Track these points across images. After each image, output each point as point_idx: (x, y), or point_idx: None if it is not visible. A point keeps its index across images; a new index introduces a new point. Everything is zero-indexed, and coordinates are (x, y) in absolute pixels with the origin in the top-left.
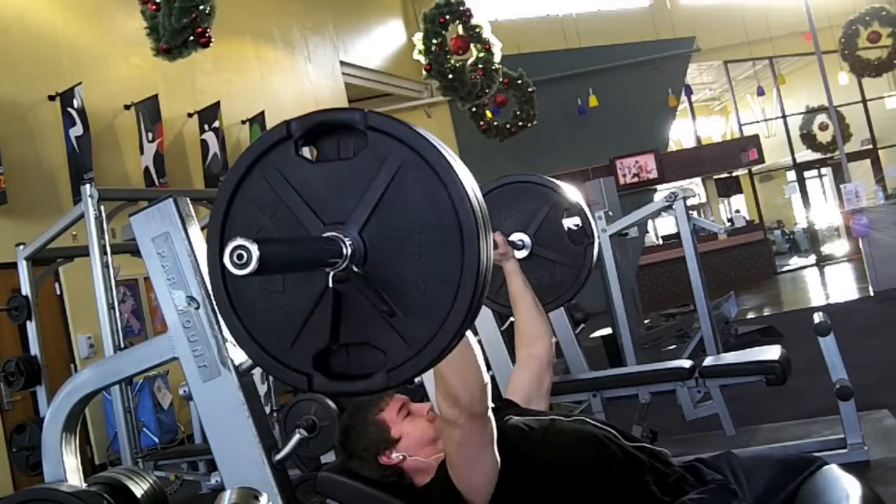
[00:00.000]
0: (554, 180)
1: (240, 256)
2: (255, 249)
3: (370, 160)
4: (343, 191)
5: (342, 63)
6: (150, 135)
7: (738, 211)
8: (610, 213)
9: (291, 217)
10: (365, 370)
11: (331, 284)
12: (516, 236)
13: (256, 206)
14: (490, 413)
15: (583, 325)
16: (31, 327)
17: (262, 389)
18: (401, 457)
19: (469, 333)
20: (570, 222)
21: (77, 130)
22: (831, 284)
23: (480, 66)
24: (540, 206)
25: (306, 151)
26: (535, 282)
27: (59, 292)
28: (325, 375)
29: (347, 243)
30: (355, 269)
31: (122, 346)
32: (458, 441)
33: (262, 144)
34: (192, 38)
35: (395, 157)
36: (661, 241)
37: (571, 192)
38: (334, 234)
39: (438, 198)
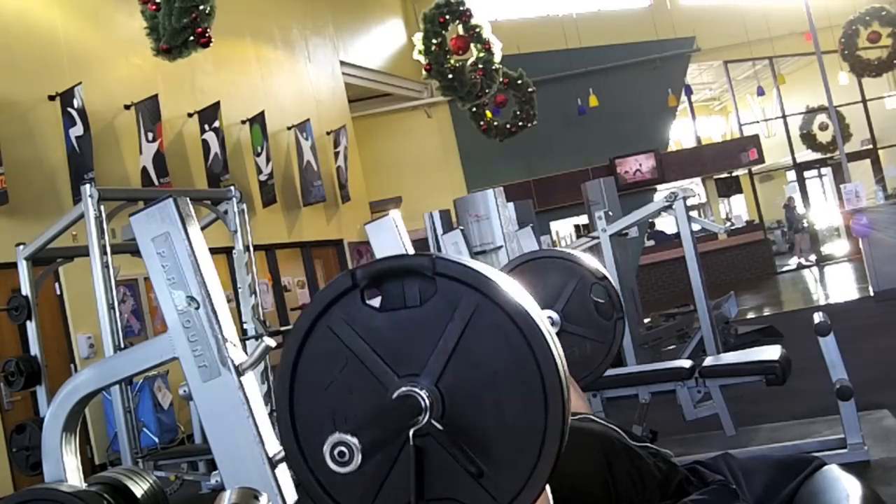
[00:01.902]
0: (578, 253)
1: (342, 454)
2: (355, 443)
3: (441, 307)
4: (415, 340)
5: (342, 63)
6: (150, 135)
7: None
8: (610, 213)
9: (362, 369)
10: None
11: (412, 441)
12: (545, 314)
13: (326, 357)
14: None
15: None
16: (31, 327)
17: (262, 389)
18: None
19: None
20: (597, 297)
21: (77, 130)
22: (831, 284)
23: (480, 66)
24: (566, 280)
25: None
26: (565, 359)
27: (59, 292)
28: None
29: (425, 396)
30: (434, 422)
31: (122, 346)
32: None
33: (328, 295)
34: (192, 38)
35: (467, 303)
36: (654, 242)
37: (595, 263)
38: (411, 388)
39: (517, 346)
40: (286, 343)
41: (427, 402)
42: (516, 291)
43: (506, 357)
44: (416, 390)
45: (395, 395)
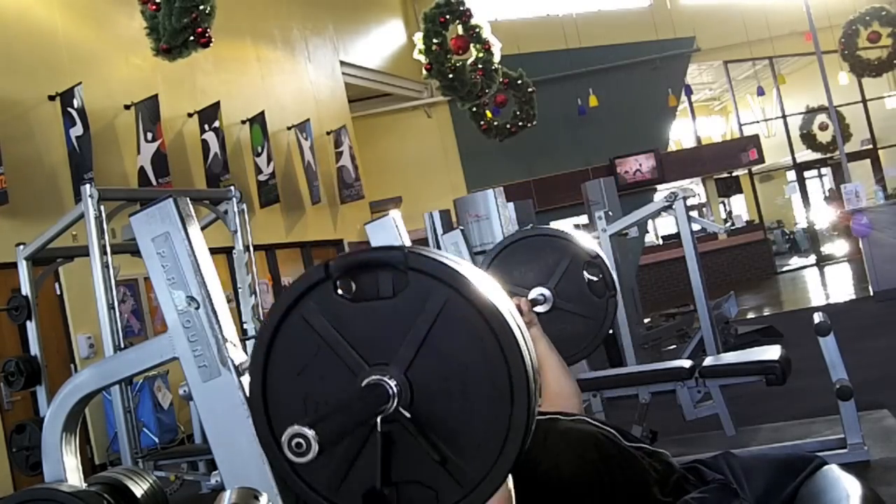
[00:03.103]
0: (572, 231)
1: (298, 445)
2: (312, 435)
3: (412, 300)
4: (386, 331)
5: (342, 63)
6: (150, 135)
7: (731, 213)
8: (610, 213)
9: (334, 357)
10: None
11: (379, 428)
12: (537, 291)
13: (298, 345)
14: None
15: None
16: (31, 327)
17: None
18: None
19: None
20: (590, 274)
21: (77, 130)
22: (831, 284)
23: (480, 66)
24: (559, 258)
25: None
26: (556, 334)
27: (59, 292)
28: None
29: (393, 385)
30: (403, 411)
31: (122, 346)
32: None
33: (301, 286)
34: (192, 38)
35: (438, 296)
36: (661, 242)
37: (589, 242)
38: (379, 377)
39: (485, 339)
40: (260, 330)
41: (395, 390)
42: (488, 287)
43: (474, 350)
44: (385, 379)
45: (364, 384)
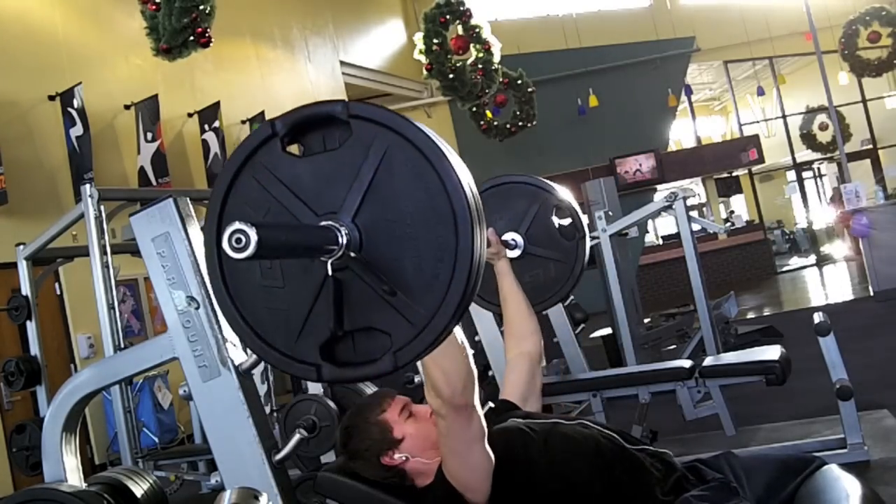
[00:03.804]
0: (542, 179)
1: (238, 240)
2: (253, 233)
3: (356, 148)
4: (333, 181)
5: (342, 63)
6: (150, 135)
7: (732, 212)
8: (610, 213)
9: (285, 213)
10: (372, 355)
11: (330, 273)
12: (508, 236)
13: (249, 206)
14: (476, 407)
15: (583, 325)
16: (31, 327)
17: (262, 389)
18: (403, 458)
19: (457, 328)
20: (561, 219)
21: (77, 130)
22: (831, 284)
23: (480, 66)
24: (529, 205)
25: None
26: (530, 280)
27: (59, 292)
28: (332, 364)
29: (343, 231)
30: (352, 255)
31: (122, 346)
32: (444, 433)
33: (249, 145)
34: (192, 38)
35: (381, 142)
36: (661, 241)
37: (560, 189)
38: (329, 223)
39: (427, 177)
40: (212, 193)
41: (344, 236)
42: (429, 131)
43: (418, 190)
44: (334, 224)
45: None
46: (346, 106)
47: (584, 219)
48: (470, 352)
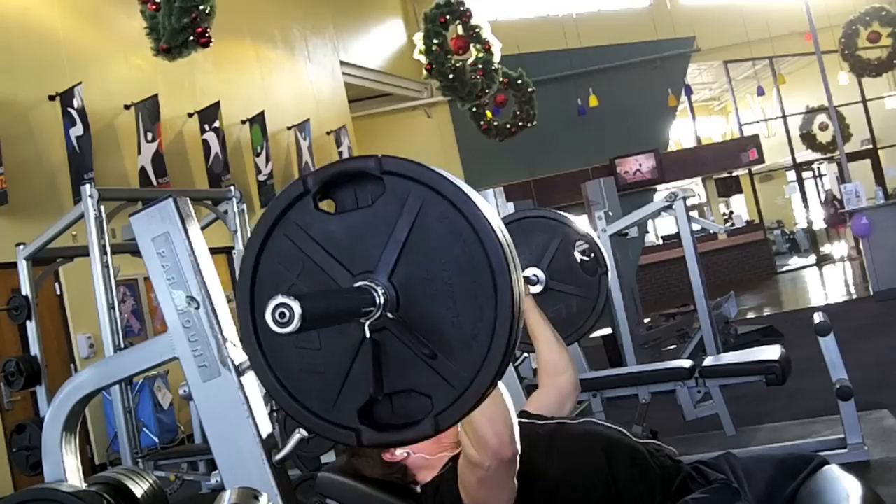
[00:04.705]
0: (562, 213)
1: (282, 314)
2: (297, 306)
3: (390, 204)
4: (367, 239)
5: (342, 63)
6: (150, 135)
7: (731, 212)
8: (610, 213)
9: (319, 272)
10: (412, 417)
11: (368, 335)
12: (530, 271)
13: (283, 265)
14: (518, 454)
15: None
16: (31, 327)
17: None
18: (405, 454)
19: None
20: (582, 253)
21: (77, 130)
22: (831, 284)
23: (480, 66)
24: (550, 239)
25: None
26: (552, 316)
27: (59, 292)
28: (372, 428)
29: (379, 291)
30: (390, 315)
31: (122, 346)
32: (481, 479)
33: (281, 203)
34: (192, 38)
35: (415, 198)
36: (661, 241)
37: (580, 222)
38: (365, 283)
39: (464, 233)
40: (245, 252)
41: (381, 296)
42: (463, 184)
43: (454, 246)
44: (371, 284)
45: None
46: (380, 162)
47: (607, 255)
48: (510, 400)
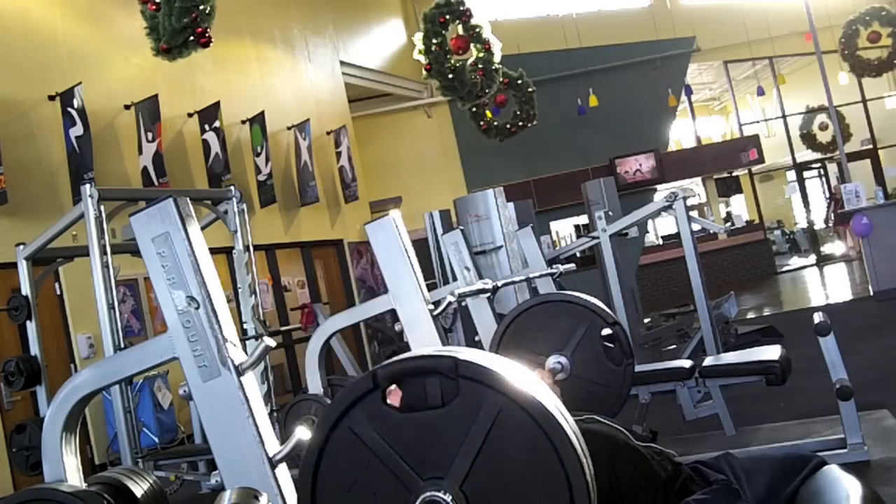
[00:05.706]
0: (589, 298)
1: None
2: None
3: (465, 409)
4: (439, 442)
5: (342, 63)
6: (150, 135)
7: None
8: (610, 213)
9: (386, 471)
10: None
11: None
12: (554, 359)
13: (348, 460)
14: None
15: None
16: (31, 327)
17: (262, 389)
18: None
19: None
20: (607, 340)
21: (77, 130)
22: (831, 284)
23: (480, 66)
24: (576, 325)
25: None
26: (572, 403)
27: (59, 292)
28: None
29: (450, 500)
30: None
31: (122, 346)
32: None
33: (349, 397)
34: (192, 38)
35: (492, 405)
36: (661, 241)
37: (606, 309)
38: (434, 493)
39: (541, 447)
40: (309, 442)
41: None
42: (541, 393)
43: (531, 459)
44: (441, 495)
45: (419, 501)
46: (457, 364)
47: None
48: None
